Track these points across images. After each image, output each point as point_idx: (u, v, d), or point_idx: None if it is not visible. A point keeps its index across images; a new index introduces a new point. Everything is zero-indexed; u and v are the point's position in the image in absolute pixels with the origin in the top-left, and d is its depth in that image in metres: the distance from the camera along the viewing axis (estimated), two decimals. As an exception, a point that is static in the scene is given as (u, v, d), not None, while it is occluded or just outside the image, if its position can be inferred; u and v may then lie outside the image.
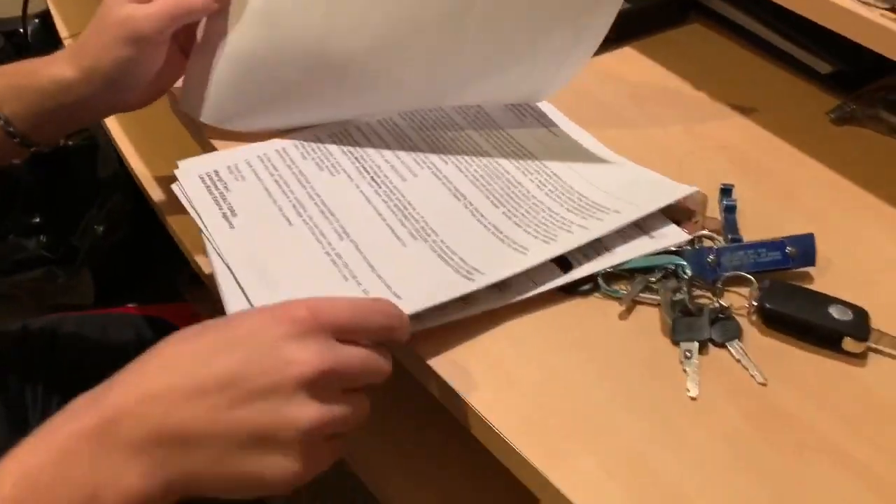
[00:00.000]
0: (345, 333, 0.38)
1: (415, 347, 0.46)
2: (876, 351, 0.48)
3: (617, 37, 0.71)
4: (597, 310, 0.49)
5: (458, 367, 0.45)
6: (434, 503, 0.58)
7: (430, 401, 0.47)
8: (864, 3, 0.54)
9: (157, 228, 0.77)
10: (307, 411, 0.36)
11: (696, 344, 0.46)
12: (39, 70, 0.54)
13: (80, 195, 1.22)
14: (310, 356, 0.36)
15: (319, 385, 0.36)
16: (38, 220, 1.23)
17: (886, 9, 0.53)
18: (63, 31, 0.91)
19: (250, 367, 0.36)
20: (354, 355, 0.38)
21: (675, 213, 0.54)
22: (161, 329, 0.70)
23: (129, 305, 0.86)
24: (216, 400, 0.35)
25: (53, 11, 0.96)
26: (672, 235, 0.52)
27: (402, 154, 0.57)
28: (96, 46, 0.53)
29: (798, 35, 0.69)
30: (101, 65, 0.52)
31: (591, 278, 0.50)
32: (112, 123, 0.83)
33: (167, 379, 0.35)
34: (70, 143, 1.24)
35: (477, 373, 0.45)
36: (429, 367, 0.45)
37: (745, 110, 0.65)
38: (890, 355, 0.47)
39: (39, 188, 1.25)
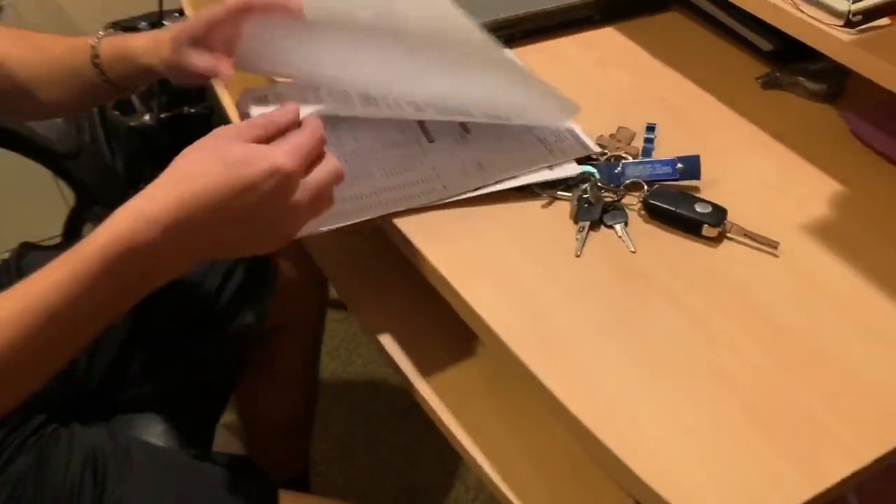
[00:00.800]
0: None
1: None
2: (729, 238, 0.63)
3: (601, 18, 0.89)
4: (526, 202, 0.67)
5: (430, 235, 0.64)
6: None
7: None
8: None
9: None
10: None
11: (588, 223, 0.64)
12: (133, 46, 0.76)
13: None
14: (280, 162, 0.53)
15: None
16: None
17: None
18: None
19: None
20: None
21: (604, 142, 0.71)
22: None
23: None
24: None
25: (186, 8, 1.22)
26: (569, 170, 0.68)
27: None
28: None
29: (750, 21, 0.84)
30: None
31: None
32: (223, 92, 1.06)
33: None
34: (192, 110, 1.51)
35: (442, 240, 0.64)
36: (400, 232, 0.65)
37: (691, 76, 0.81)
38: (738, 241, 0.63)
39: (167, 147, 1.53)
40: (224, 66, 0.73)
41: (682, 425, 0.51)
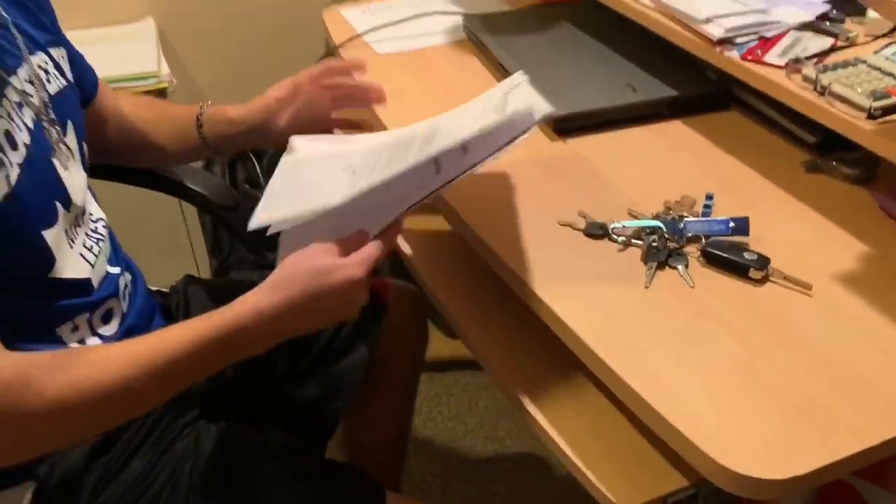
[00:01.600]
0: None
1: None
2: (771, 281, 0.79)
3: (671, 114, 1.07)
4: (607, 246, 0.84)
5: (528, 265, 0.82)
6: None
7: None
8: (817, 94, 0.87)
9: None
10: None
11: (656, 264, 0.80)
12: (227, 111, 0.98)
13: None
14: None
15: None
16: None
17: (820, 93, 0.86)
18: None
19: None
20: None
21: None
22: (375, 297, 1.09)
23: None
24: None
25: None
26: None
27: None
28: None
29: (796, 118, 1.01)
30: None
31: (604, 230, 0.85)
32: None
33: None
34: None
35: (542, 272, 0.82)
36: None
37: (746, 161, 0.98)
38: (779, 283, 0.78)
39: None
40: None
41: (726, 408, 0.66)
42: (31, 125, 0.75)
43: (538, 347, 0.86)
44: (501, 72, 1.19)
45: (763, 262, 0.79)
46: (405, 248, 1.06)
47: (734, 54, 0.95)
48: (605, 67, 1.15)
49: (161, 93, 1.58)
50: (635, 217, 0.87)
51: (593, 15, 1.25)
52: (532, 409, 0.81)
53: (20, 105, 0.75)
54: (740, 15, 1.00)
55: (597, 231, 0.85)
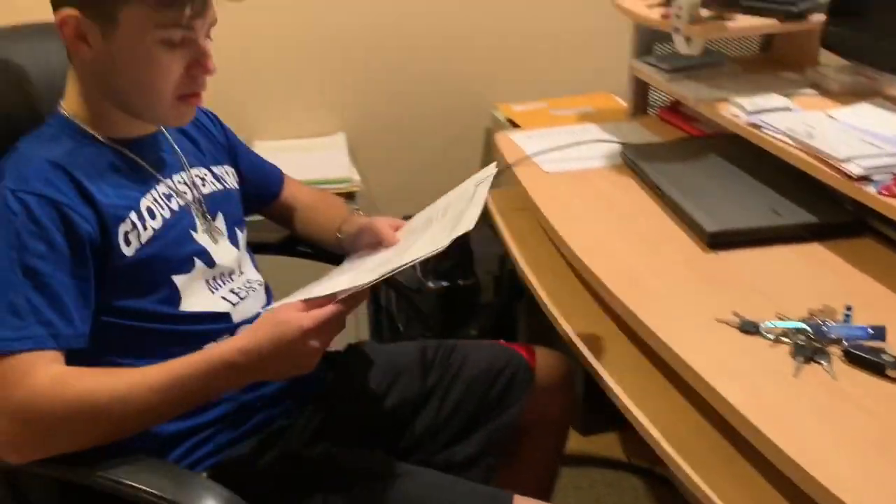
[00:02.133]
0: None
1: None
2: (907, 380, 0.92)
3: (810, 237, 1.23)
4: (758, 342, 0.99)
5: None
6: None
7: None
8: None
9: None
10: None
11: (802, 358, 0.95)
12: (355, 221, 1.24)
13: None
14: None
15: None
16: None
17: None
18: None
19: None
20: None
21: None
22: (518, 358, 1.28)
23: (502, 340, 1.43)
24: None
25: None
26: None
27: None
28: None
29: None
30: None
31: (756, 327, 1.01)
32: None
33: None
34: (462, 283, 1.97)
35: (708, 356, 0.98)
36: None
37: (881, 281, 1.12)
38: (914, 382, 0.92)
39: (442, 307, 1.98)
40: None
41: (868, 476, 0.79)
42: (175, 208, 1.08)
43: (698, 428, 1.01)
44: (656, 192, 1.38)
45: (899, 363, 0.92)
46: (567, 329, 1.24)
47: (871, 190, 1.12)
48: (751, 193, 1.32)
49: (351, 195, 1.86)
50: (783, 319, 1.02)
51: (738, 148, 1.43)
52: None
53: (168, 196, 1.08)
54: (875, 156, 1.17)
55: (750, 328, 1.01)
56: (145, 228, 1.02)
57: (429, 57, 2.19)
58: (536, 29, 2.27)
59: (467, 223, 0.97)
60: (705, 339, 1.01)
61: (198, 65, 1.02)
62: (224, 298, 1.11)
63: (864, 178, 1.14)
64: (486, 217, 2.11)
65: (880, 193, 1.11)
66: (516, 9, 2.24)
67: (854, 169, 1.14)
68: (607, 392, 1.12)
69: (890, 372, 0.92)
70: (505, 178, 1.62)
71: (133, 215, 1.02)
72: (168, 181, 1.10)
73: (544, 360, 1.30)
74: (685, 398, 1.05)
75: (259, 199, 1.33)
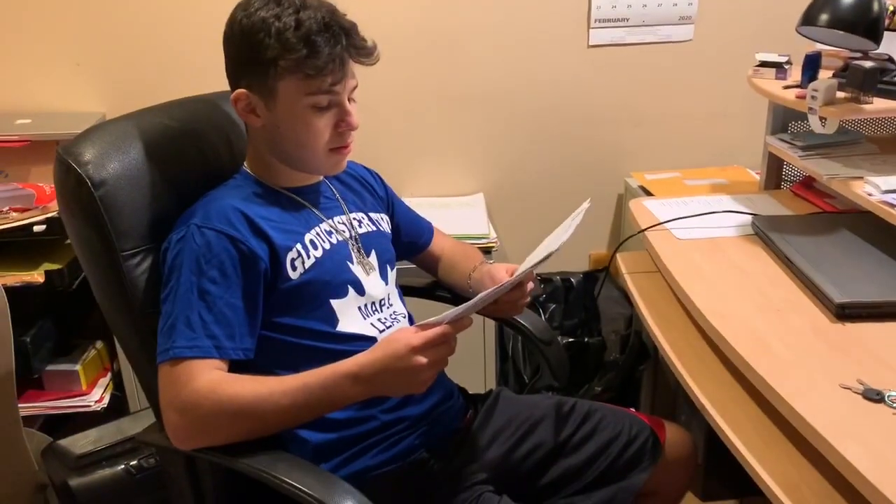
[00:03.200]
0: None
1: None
2: None
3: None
4: (882, 409, 1.04)
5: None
6: None
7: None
8: None
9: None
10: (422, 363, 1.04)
11: (928, 427, 0.99)
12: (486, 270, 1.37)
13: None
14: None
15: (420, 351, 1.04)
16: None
17: None
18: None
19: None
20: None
21: None
22: (648, 430, 1.37)
23: (632, 409, 1.51)
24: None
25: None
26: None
27: None
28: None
29: None
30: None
31: (880, 395, 1.05)
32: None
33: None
34: (588, 340, 2.06)
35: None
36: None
37: None
38: None
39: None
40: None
41: None
42: (334, 242, 1.26)
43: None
44: (786, 262, 1.44)
45: None
46: (696, 391, 1.31)
47: None
48: (881, 268, 1.36)
49: (488, 251, 2.01)
50: (908, 390, 1.07)
51: (870, 225, 1.48)
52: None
53: (329, 232, 1.27)
54: None
55: (873, 396, 1.06)
56: (308, 256, 1.21)
57: (568, 123, 2.33)
58: (674, 104, 2.38)
59: (556, 244, 1.20)
60: (830, 403, 1.06)
61: (343, 123, 1.20)
62: (373, 325, 1.26)
63: None
64: (614, 278, 2.21)
65: None
66: (657, 84, 2.35)
67: None
68: (737, 457, 1.18)
69: None
70: (635, 242, 1.72)
71: (299, 246, 1.21)
72: (330, 221, 1.29)
73: (672, 435, 1.40)
74: (811, 463, 1.10)
75: (411, 247, 1.51)
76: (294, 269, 1.19)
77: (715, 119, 2.39)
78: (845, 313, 1.26)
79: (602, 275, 2.21)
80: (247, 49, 1.15)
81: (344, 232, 1.30)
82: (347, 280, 1.25)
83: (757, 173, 1.99)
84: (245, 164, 1.29)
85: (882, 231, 1.44)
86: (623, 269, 1.73)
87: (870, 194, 1.45)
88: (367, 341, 1.23)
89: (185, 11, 2.11)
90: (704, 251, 1.56)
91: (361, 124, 1.23)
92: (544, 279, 2.28)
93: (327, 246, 1.25)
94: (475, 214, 2.13)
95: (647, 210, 1.77)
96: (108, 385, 2.11)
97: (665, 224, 1.67)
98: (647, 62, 2.30)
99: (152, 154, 1.24)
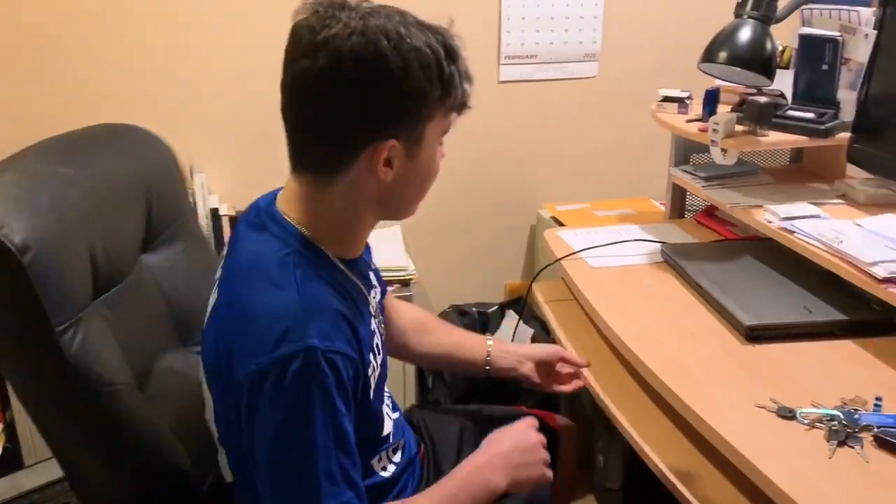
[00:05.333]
0: None
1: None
2: (933, 465, 1.00)
3: (840, 334, 1.33)
4: (795, 426, 1.09)
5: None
6: None
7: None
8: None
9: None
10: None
11: (836, 442, 1.04)
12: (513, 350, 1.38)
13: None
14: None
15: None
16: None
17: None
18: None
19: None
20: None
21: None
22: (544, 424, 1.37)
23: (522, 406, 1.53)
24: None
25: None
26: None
27: None
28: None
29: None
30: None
31: (792, 413, 1.10)
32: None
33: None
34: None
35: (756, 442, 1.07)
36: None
37: (908, 375, 1.22)
38: (940, 467, 1.00)
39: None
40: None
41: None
42: (382, 331, 1.10)
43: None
44: (696, 288, 1.50)
45: (927, 449, 1.01)
46: (615, 412, 1.33)
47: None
48: (784, 292, 1.43)
49: (406, 283, 2.00)
50: (817, 407, 1.12)
51: (771, 251, 1.55)
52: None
53: (375, 317, 1.07)
54: (899, 261, 1.28)
55: (786, 413, 1.11)
56: (376, 367, 1.02)
57: (481, 156, 2.37)
58: (582, 138, 2.46)
59: None
60: (747, 423, 1.10)
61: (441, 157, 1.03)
62: (388, 415, 1.14)
63: (890, 280, 1.25)
64: (532, 306, 2.23)
65: (905, 295, 1.22)
66: (566, 119, 2.43)
67: (880, 272, 1.25)
68: (660, 478, 1.21)
69: (918, 457, 1.01)
70: (550, 272, 1.75)
71: (371, 356, 1.00)
72: (370, 297, 1.07)
73: (564, 426, 1.45)
74: (731, 482, 1.13)
75: None
76: (369, 384, 1.00)
77: (621, 152, 2.48)
78: (754, 335, 1.32)
79: (522, 304, 2.23)
80: (405, 87, 0.89)
81: (378, 312, 1.10)
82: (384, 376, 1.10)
83: (662, 204, 2.07)
84: (290, 216, 0.98)
85: (782, 256, 1.52)
86: (540, 298, 1.76)
87: (770, 221, 1.53)
88: (386, 440, 1.12)
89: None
90: (618, 278, 1.60)
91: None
92: (461, 311, 2.29)
93: (380, 341, 1.06)
94: (393, 248, 2.12)
95: (561, 240, 1.81)
96: (-1, 436, 1.97)
97: (580, 253, 1.71)
98: (555, 98, 2.38)
99: (63, 201, 1.04)
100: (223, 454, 1.05)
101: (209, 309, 1.03)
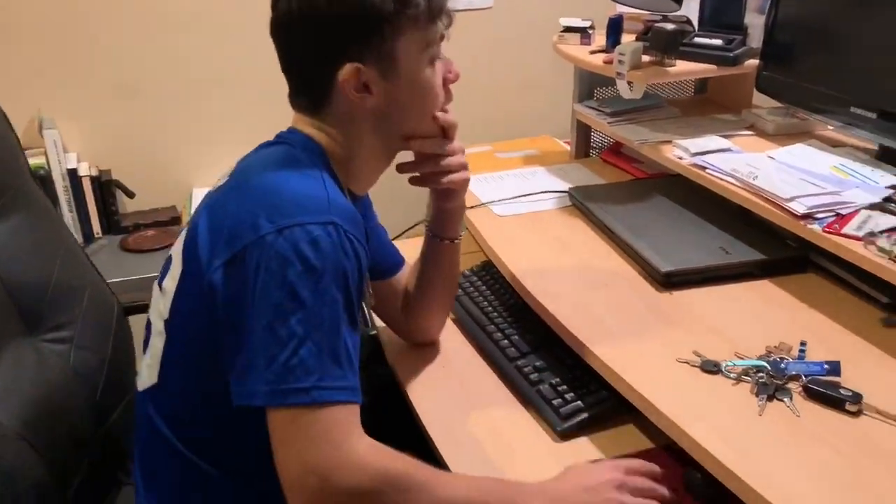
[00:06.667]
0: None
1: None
2: (865, 413, 0.94)
3: (759, 274, 1.26)
4: (721, 381, 1.01)
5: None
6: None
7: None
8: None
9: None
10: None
11: (765, 396, 0.97)
12: None
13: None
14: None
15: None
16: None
17: (893, 260, 1.05)
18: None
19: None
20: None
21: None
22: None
23: None
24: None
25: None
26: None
27: None
28: None
29: (870, 280, 1.19)
30: None
31: (717, 367, 1.02)
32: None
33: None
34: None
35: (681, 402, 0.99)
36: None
37: (830, 316, 1.15)
38: (871, 416, 0.94)
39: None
40: None
41: (818, 495, 0.81)
42: None
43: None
44: (607, 233, 1.41)
45: (857, 397, 0.95)
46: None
47: (816, 227, 1.16)
48: (698, 232, 1.36)
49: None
50: (742, 358, 1.05)
51: (682, 188, 1.47)
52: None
53: None
54: (817, 195, 1.22)
55: (711, 368, 1.03)
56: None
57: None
58: (481, 76, 2.31)
59: None
60: (671, 381, 1.02)
61: (451, 74, 1.03)
62: None
63: (808, 217, 1.18)
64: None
65: (825, 231, 1.15)
66: (462, 55, 2.26)
67: (798, 208, 1.18)
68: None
69: (849, 406, 0.95)
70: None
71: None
72: None
73: None
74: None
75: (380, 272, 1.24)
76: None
77: (522, 89, 2.35)
78: (672, 281, 1.23)
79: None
80: (349, 9, 0.92)
81: None
82: None
83: (566, 142, 1.96)
84: (322, 153, 0.98)
85: (694, 193, 1.44)
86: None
87: (680, 157, 1.44)
88: None
89: None
90: (526, 227, 1.49)
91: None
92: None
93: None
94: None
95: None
96: None
97: (486, 204, 1.59)
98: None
99: None
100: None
101: (196, 217, 0.95)
